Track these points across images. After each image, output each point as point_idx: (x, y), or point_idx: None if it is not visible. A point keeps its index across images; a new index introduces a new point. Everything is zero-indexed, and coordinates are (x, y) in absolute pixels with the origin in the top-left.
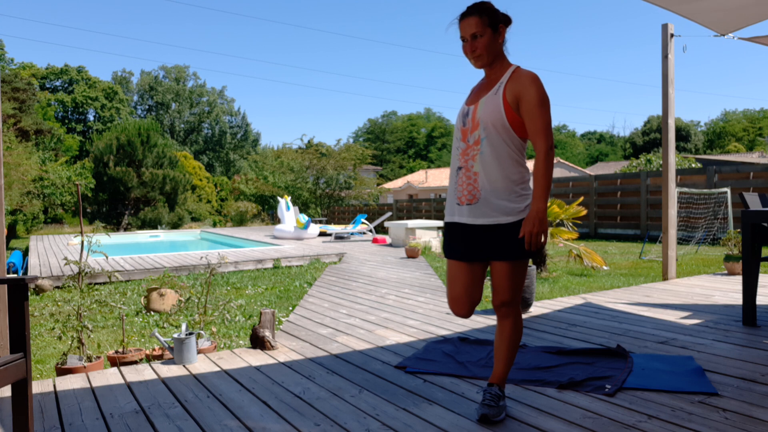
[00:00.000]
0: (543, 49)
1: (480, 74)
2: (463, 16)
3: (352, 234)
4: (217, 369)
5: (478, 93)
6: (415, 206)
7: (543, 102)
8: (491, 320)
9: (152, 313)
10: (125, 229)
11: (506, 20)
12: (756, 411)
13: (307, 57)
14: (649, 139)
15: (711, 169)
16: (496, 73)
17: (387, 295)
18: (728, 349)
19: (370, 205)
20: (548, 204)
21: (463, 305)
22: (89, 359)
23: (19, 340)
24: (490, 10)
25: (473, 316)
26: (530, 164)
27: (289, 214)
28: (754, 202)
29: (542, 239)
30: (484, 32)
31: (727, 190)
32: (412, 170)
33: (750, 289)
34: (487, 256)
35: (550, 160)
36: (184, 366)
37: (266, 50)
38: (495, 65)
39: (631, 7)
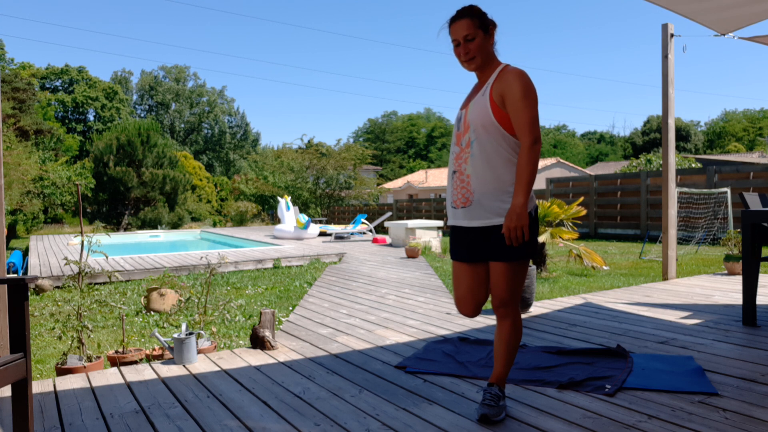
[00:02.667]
0: (543, 49)
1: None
2: (454, 20)
3: (352, 234)
4: (217, 369)
5: (470, 96)
6: (415, 206)
7: (526, 95)
8: (491, 320)
9: (152, 313)
10: (125, 229)
11: (493, 23)
12: (756, 411)
13: (307, 57)
14: (649, 139)
15: (711, 169)
16: (487, 74)
17: (387, 295)
18: (728, 349)
19: (370, 205)
20: (548, 204)
21: (468, 305)
22: (89, 359)
23: (19, 340)
24: (480, 13)
25: None
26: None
27: (289, 214)
28: (754, 202)
29: (522, 234)
30: (476, 34)
31: (727, 190)
32: (412, 170)
33: (750, 289)
34: (486, 256)
35: (533, 154)
36: (184, 366)
37: (266, 50)
38: (486, 67)
39: (631, 7)
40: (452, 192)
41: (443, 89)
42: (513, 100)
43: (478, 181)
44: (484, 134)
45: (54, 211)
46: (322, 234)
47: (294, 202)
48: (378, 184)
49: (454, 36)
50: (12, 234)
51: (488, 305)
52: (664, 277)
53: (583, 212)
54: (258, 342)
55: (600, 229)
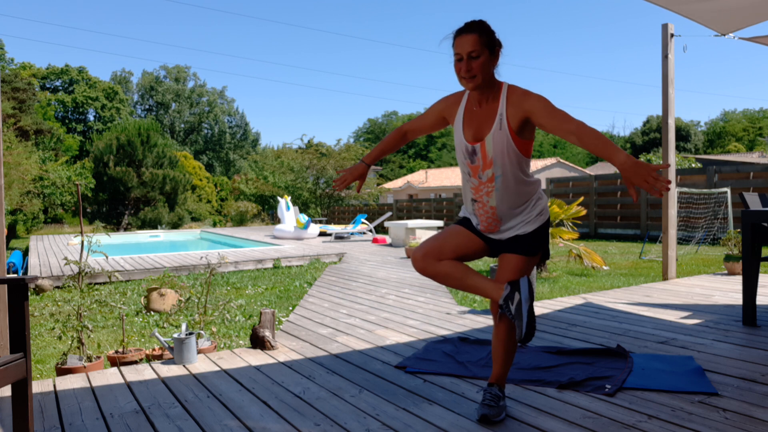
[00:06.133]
0: (543, 49)
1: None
2: (461, 33)
3: (352, 234)
4: (217, 369)
5: (477, 126)
6: (415, 206)
7: (547, 104)
8: (491, 320)
9: (152, 313)
10: (125, 229)
11: (500, 44)
12: (756, 411)
13: (307, 57)
14: (649, 139)
15: (711, 169)
16: (489, 98)
17: (387, 295)
18: (728, 349)
19: (370, 205)
20: (548, 204)
21: (441, 255)
22: (89, 359)
23: (19, 340)
24: (490, 30)
25: (473, 316)
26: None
27: (289, 214)
28: (754, 202)
29: (654, 176)
30: (482, 52)
31: (727, 190)
32: (412, 170)
33: (750, 289)
34: (500, 251)
35: (586, 126)
36: (184, 366)
37: (266, 50)
38: (485, 88)
39: (631, 7)
40: (474, 213)
41: (443, 89)
42: (542, 114)
43: (506, 210)
44: (509, 168)
45: (54, 211)
46: (322, 234)
47: (294, 202)
48: (378, 184)
49: (458, 50)
50: (12, 234)
51: (485, 305)
52: (664, 277)
53: (583, 212)
54: (258, 342)
55: (600, 229)
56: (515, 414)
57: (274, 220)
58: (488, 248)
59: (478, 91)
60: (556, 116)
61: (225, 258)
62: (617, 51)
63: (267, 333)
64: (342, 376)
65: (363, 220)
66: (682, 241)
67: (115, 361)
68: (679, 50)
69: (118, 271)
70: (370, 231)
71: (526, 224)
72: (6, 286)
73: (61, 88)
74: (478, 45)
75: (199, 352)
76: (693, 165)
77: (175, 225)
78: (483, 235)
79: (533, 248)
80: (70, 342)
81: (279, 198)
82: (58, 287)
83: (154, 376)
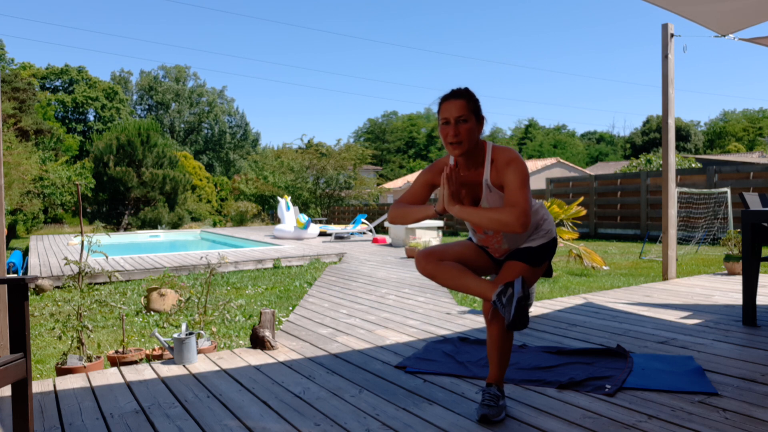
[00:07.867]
0: (543, 49)
1: None
2: (448, 98)
3: (352, 234)
4: (217, 369)
5: (470, 192)
6: None
7: (524, 184)
8: None
9: (152, 313)
10: (125, 229)
11: (484, 117)
12: (756, 411)
13: (307, 57)
14: (649, 139)
15: (711, 169)
16: (476, 163)
17: (387, 295)
18: (728, 349)
19: (370, 205)
20: (548, 204)
21: (441, 257)
22: (89, 359)
23: (19, 340)
24: (476, 99)
25: (473, 316)
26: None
27: (289, 214)
28: (754, 202)
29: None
30: (470, 118)
31: (727, 190)
32: (412, 170)
33: (750, 289)
34: (504, 261)
35: (511, 217)
36: (184, 366)
37: (266, 50)
38: (470, 155)
39: (631, 7)
40: (487, 251)
41: (443, 89)
42: (512, 188)
43: (516, 243)
44: None
45: (54, 211)
46: (322, 234)
47: (294, 202)
48: (378, 184)
49: (445, 114)
50: (12, 234)
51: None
52: (664, 277)
53: (583, 212)
54: (258, 342)
55: (600, 229)
56: (515, 414)
57: (274, 220)
58: (495, 267)
59: (464, 157)
60: (512, 194)
61: (225, 258)
62: (617, 51)
63: (267, 333)
64: (342, 376)
65: (363, 220)
66: (682, 241)
67: (115, 361)
68: (679, 50)
69: (118, 271)
70: (370, 231)
71: (533, 241)
72: (6, 286)
73: (61, 88)
74: (465, 110)
75: (199, 352)
76: (693, 165)
77: (175, 225)
78: (492, 256)
79: (538, 260)
80: (70, 342)
81: (279, 198)
82: (58, 287)
83: (154, 376)
